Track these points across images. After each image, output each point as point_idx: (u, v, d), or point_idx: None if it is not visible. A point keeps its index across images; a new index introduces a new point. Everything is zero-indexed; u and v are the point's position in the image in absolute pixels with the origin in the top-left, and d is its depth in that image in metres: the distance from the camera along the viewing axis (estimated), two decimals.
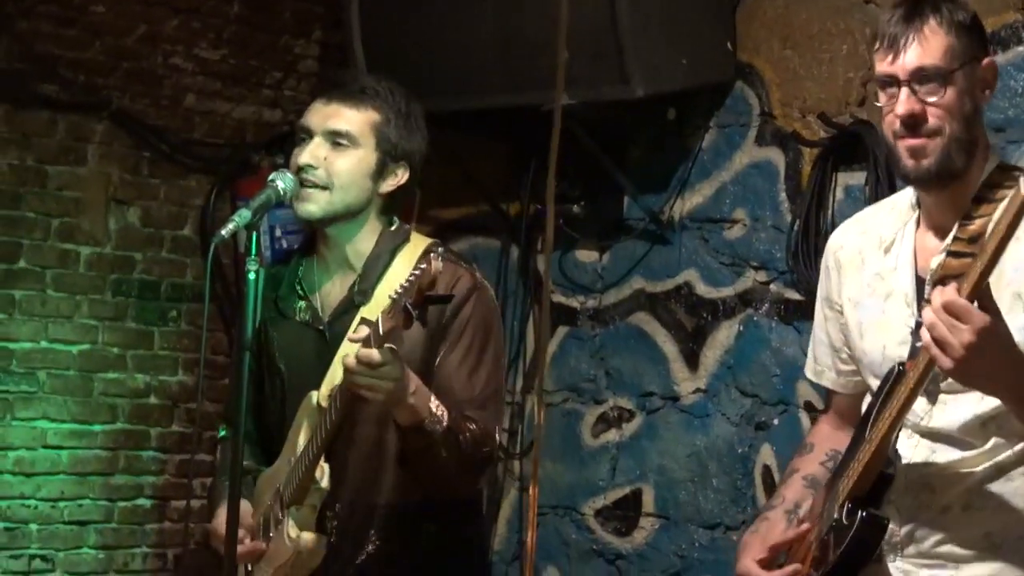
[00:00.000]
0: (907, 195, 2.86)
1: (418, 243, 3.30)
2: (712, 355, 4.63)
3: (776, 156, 4.52)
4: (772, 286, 4.50)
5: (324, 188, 3.20)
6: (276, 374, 3.34)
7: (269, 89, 5.50)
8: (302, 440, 3.22)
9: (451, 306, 3.17)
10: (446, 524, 3.28)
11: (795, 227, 4.38)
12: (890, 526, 2.70)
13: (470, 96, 4.65)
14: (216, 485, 3.42)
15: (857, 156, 4.29)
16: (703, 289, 4.67)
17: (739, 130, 4.61)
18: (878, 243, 2.86)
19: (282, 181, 3.15)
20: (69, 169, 5.15)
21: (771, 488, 4.26)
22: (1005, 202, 2.49)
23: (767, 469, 4.45)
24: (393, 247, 3.27)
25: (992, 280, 2.49)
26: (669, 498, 4.69)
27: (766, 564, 2.83)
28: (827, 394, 3.11)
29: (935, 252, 2.73)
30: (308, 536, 3.17)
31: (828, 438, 3.02)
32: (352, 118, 3.23)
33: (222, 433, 3.48)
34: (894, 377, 2.69)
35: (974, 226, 2.66)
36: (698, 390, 4.65)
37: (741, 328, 4.56)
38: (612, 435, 4.85)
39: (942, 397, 2.71)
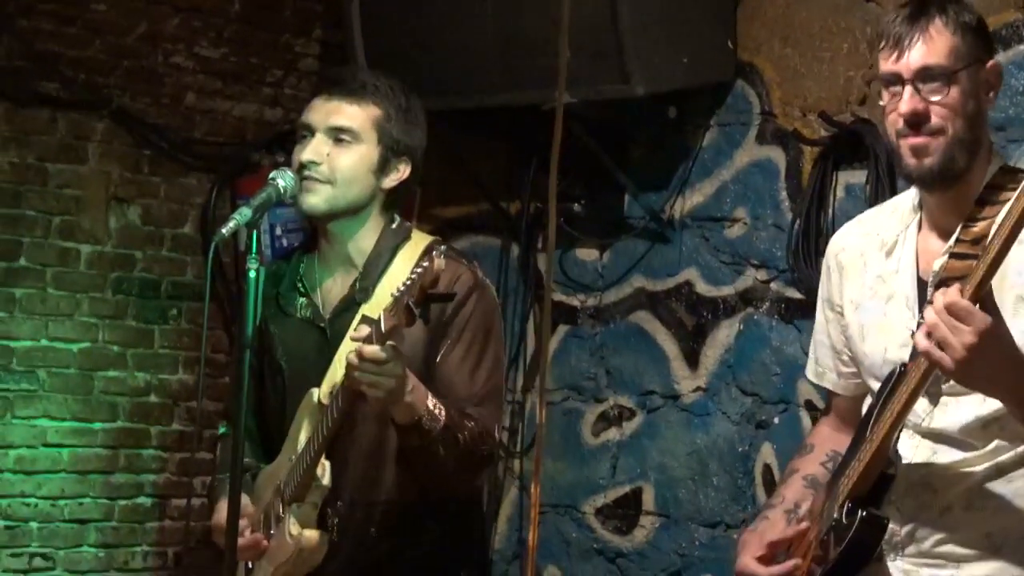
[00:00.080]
0: (909, 197, 2.86)
1: (419, 241, 3.30)
2: (712, 354, 4.63)
3: (777, 155, 4.52)
4: (772, 285, 4.50)
5: (327, 184, 3.21)
6: (277, 371, 3.34)
7: (270, 87, 5.50)
8: (303, 437, 3.22)
9: (452, 304, 3.18)
10: (447, 522, 3.28)
11: (796, 226, 4.38)
12: (891, 526, 2.70)
13: (470, 95, 4.66)
14: (216, 482, 3.43)
15: (858, 155, 4.29)
16: (703, 288, 4.67)
17: (740, 129, 4.61)
18: (879, 245, 2.85)
19: (283, 179, 3.16)
20: (70, 167, 5.14)
21: (771, 487, 4.26)
22: (1009, 204, 2.49)
23: (767, 468, 4.45)
24: (394, 245, 3.28)
25: (995, 283, 2.49)
26: (669, 497, 4.69)
27: (765, 561, 2.83)
28: (828, 395, 3.10)
29: (937, 254, 2.73)
30: (310, 534, 3.18)
31: (828, 439, 3.02)
32: (354, 114, 3.24)
33: (222, 430, 3.49)
34: (895, 378, 2.69)
35: (977, 228, 2.65)
36: (698, 389, 4.65)
37: (741, 327, 4.56)
38: (612, 434, 4.85)
39: (944, 398, 2.71)
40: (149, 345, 5.31)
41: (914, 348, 2.67)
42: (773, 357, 4.48)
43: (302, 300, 3.33)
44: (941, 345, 2.47)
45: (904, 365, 2.69)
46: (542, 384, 4.62)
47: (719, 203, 4.64)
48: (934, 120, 2.67)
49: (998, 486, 2.68)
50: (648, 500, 4.75)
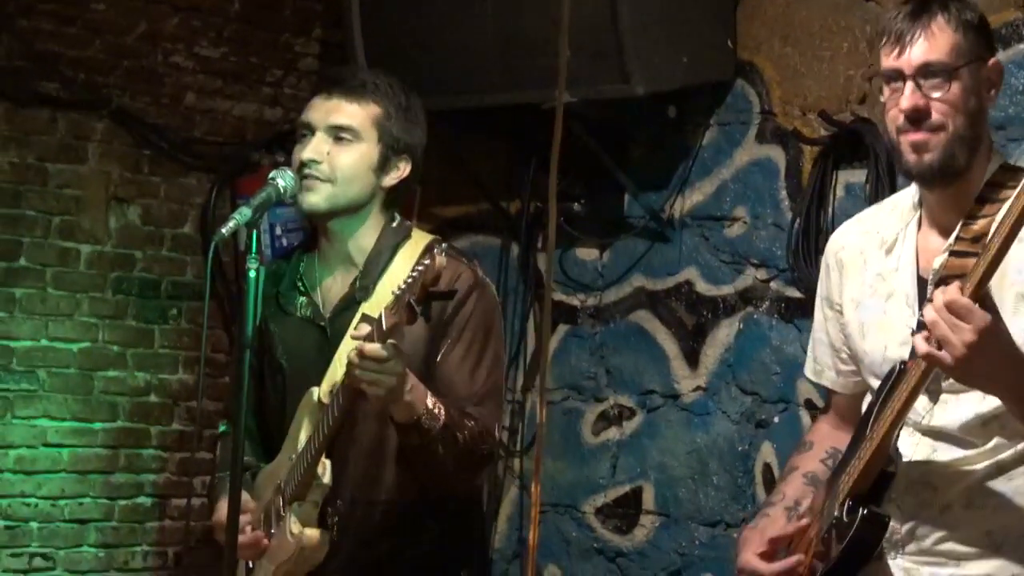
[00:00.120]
0: (909, 195, 2.86)
1: (419, 240, 3.30)
2: (712, 353, 4.63)
3: (777, 154, 4.52)
4: (772, 284, 4.50)
5: (328, 182, 3.21)
6: (277, 370, 3.34)
7: (269, 87, 5.50)
8: (303, 436, 3.22)
9: (453, 303, 3.18)
10: (447, 521, 3.28)
11: (795, 225, 4.38)
12: (891, 524, 2.70)
13: (470, 94, 4.66)
14: (216, 481, 3.43)
15: (858, 154, 4.29)
16: (703, 287, 4.67)
17: (740, 128, 4.61)
18: (879, 243, 2.85)
19: (282, 179, 3.16)
20: (69, 167, 5.14)
21: (771, 486, 4.25)
22: (1009, 202, 2.49)
23: (767, 467, 4.45)
24: (395, 243, 3.28)
25: (995, 281, 2.49)
26: (669, 496, 4.69)
27: (767, 558, 2.82)
28: (827, 394, 3.11)
29: (937, 252, 2.73)
30: (311, 532, 3.18)
31: (827, 436, 3.02)
32: (354, 112, 3.24)
33: (223, 429, 3.49)
34: (895, 375, 2.69)
35: (977, 226, 2.65)
36: (698, 388, 4.66)
37: (741, 326, 4.56)
38: (612, 433, 4.85)
39: (944, 396, 2.71)
40: (149, 345, 5.31)
41: (913, 348, 2.67)
42: (773, 356, 4.48)
43: (302, 299, 3.33)
44: (941, 343, 2.47)
45: (904, 363, 2.69)
46: (542, 383, 4.62)
47: (719, 202, 4.64)
48: (935, 116, 2.67)
49: (998, 484, 2.68)
50: (648, 499, 4.75)
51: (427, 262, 2.87)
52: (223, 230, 2.98)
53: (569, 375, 4.96)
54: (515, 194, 5.10)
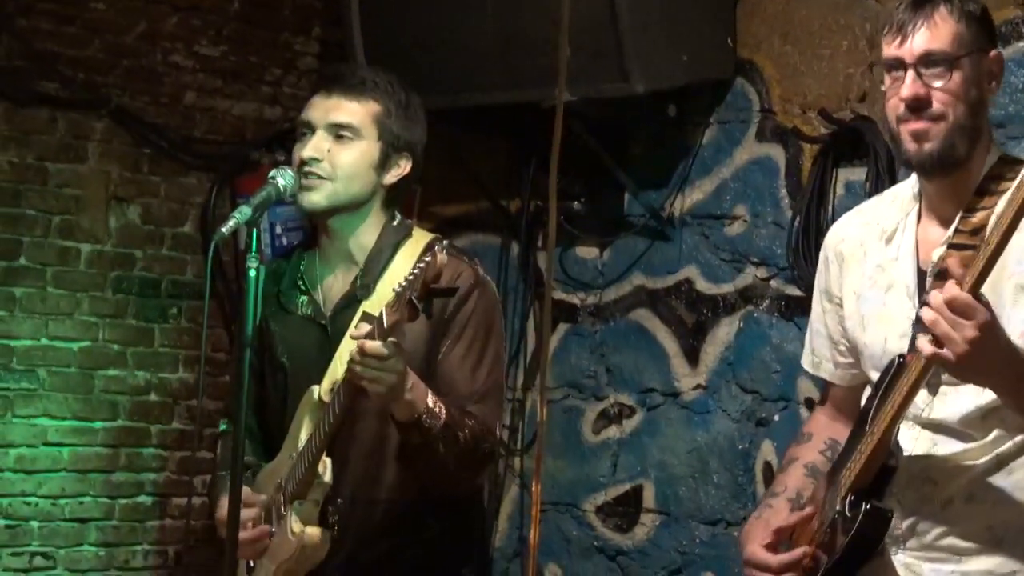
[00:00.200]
0: (908, 185, 2.86)
1: (420, 238, 3.30)
2: (713, 351, 4.63)
3: (776, 152, 4.52)
4: (772, 282, 4.50)
5: (328, 180, 3.21)
6: (278, 369, 3.34)
7: (269, 86, 5.50)
8: (304, 435, 3.22)
9: (453, 301, 3.18)
10: (447, 520, 3.28)
11: (796, 223, 4.38)
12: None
13: (470, 93, 4.66)
14: (216, 479, 3.43)
15: (858, 152, 4.29)
16: (703, 285, 4.67)
17: (739, 126, 4.61)
18: (879, 234, 2.85)
19: (282, 178, 3.16)
20: (69, 167, 5.14)
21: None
22: (1008, 194, 2.49)
23: (768, 465, 4.45)
24: (395, 241, 3.28)
25: (994, 272, 2.49)
26: (670, 494, 4.69)
27: (772, 549, 2.82)
28: (824, 385, 3.10)
29: (937, 244, 2.73)
30: (313, 531, 3.17)
31: (826, 428, 3.01)
32: (354, 110, 3.24)
33: (223, 427, 3.49)
34: (894, 369, 2.70)
35: (976, 218, 2.66)
36: (699, 386, 4.66)
37: (741, 324, 4.56)
38: (613, 431, 4.85)
39: (943, 388, 2.71)
40: (149, 344, 5.31)
41: (913, 339, 2.67)
42: (773, 355, 4.48)
43: (303, 298, 3.33)
44: (942, 341, 2.47)
45: (903, 356, 2.69)
46: (543, 382, 4.63)
47: (719, 201, 4.64)
48: (935, 105, 2.67)
49: (999, 479, 2.68)
50: (648, 498, 4.75)
51: (428, 259, 2.87)
52: (223, 229, 2.98)
53: (569, 373, 4.96)
54: (515, 193, 5.10)
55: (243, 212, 2.99)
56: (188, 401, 5.37)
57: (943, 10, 2.68)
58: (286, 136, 5.05)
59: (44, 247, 5.09)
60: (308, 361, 3.28)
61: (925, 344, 2.50)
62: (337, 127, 3.23)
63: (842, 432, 2.90)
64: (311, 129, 3.24)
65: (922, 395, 2.69)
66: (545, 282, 4.69)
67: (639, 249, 4.81)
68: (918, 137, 2.68)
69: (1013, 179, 2.50)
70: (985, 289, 2.52)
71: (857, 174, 4.29)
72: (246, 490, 3.17)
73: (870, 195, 4.09)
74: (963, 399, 2.69)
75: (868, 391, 2.82)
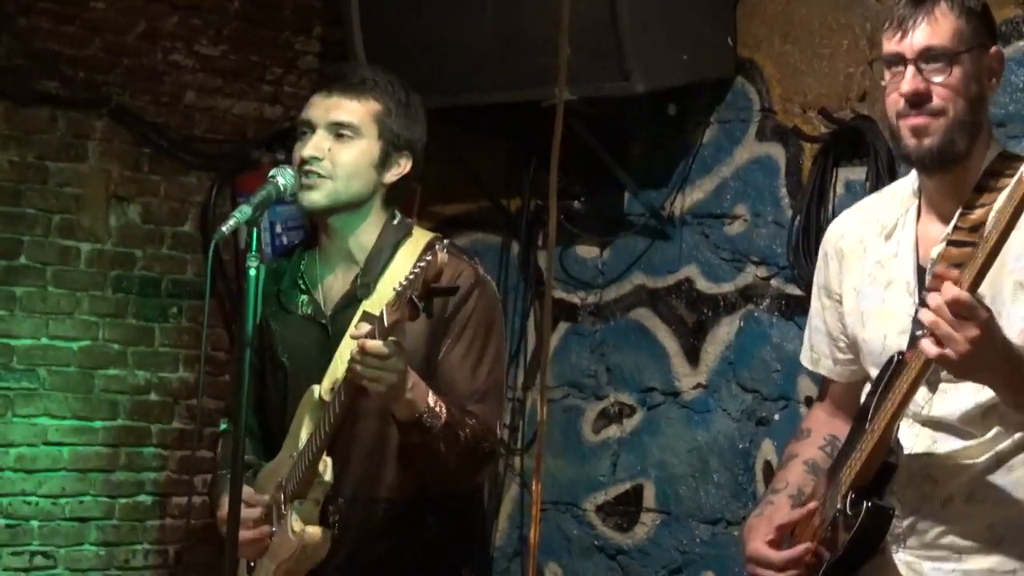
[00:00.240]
0: (908, 182, 2.85)
1: (420, 237, 3.30)
2: (713, 351, 4.63)
3: (777, 151, 4.52)
4: (773, 282, 4.50)
5: (329, 179, 3.21)
6: (278, 368, 3.34)
7: (269, 85, 5.50)
8: (304, 434, 3.22)
9: (454, 301, 3.17)
10: (448, 519, 3.28)
11: (796, 222, 4.38)
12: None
13: (470, 92, 4.66)
14: (217, 479, 3.43)
15: (858, 151, 4.29)
16: (704, 285, 4.67)
17: (740, 126, 4.61)
18: (879, 230, 2.85)
19: (282, 177, 3.15)
20: (70, 166, 5.14)
21: None
22: (1007, 191, 2.49)
23: (768, 464, 4.45)
24: (396, 241, 3.28)
25: (994, 269, 2.50)
26: (670, 493, 4.69)
27: (775, 545, 2.81)
28: (822, 381, 3.09)
29: (937, 240, 2.73)
30: (314, 530, 3.17)
31: (825, 423, 3.01)
32: (354, 109, 3.24)
33: (223, 426, 3.49)
34: (893, 367, 2.70)
35: (975, 215, 2.66)
36: (699, 385, 4.66)
37: (742, 324, 4.57)
38: (613, 431, 4.85)
39: (942, 386, 2.71)
40: (149, 343, 5.31)
41: (912, 335, 2.67)
42: (773, 354, 4.48)
43: (303, 297, 3.33)
44: (944, 341, 2.47)
45: (902, 354, 2.69)
46: (543, 381, 4.62)
47: (719, 200, 4.64)
48: (935, 101, 2.67)
49: (999, 477, 2.68)
50: (649, 497, 4.75)
51: (429, 258, 2.86)
52: (223, 228, 2.98)
53: (569, 373, 4.96)
54: (515, 192, 5.10)
55: (243, 211, 2.99)
56: (188, 400, 5.37)
57: (943, 6, 2.68)
58: (286, 135, 5.05)
59: (44, 246, 5.09)
60: (308, 360, 3.27)
61: (929, 346, 2.49)
62: (337, 126, 3.22)
63: (841, 428, 2.90)
64: (311, 128, 3.24)
65: (922, 392, 2.69)
66: (545, 281, 4.69)
67: (639, 248, 4.81)
68: (918, 132, 2.68)
69: (1012, 175, 2.50)
70: (984, 286, 2.52)
71: (857, 173, 4.29)
72: (249, 490, 3.18)
73: (870, 194, 4.10)
74: (963, 396, 2.69)
75: (867, 388, 2.82)
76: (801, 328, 4.29)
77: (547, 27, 4.28)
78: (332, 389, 3.15)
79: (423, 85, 3.48)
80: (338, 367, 3.16)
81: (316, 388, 3.22)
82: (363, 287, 3.24)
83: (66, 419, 5.12)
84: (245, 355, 2.93)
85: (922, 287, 2.71)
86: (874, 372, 2.80)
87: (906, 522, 2.72)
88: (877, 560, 2.70)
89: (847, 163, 4.33)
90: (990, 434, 2.69)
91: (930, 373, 2.64)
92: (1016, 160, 2.69)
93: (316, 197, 3.21)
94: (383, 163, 3.26)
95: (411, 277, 2.88)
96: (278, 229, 5.23)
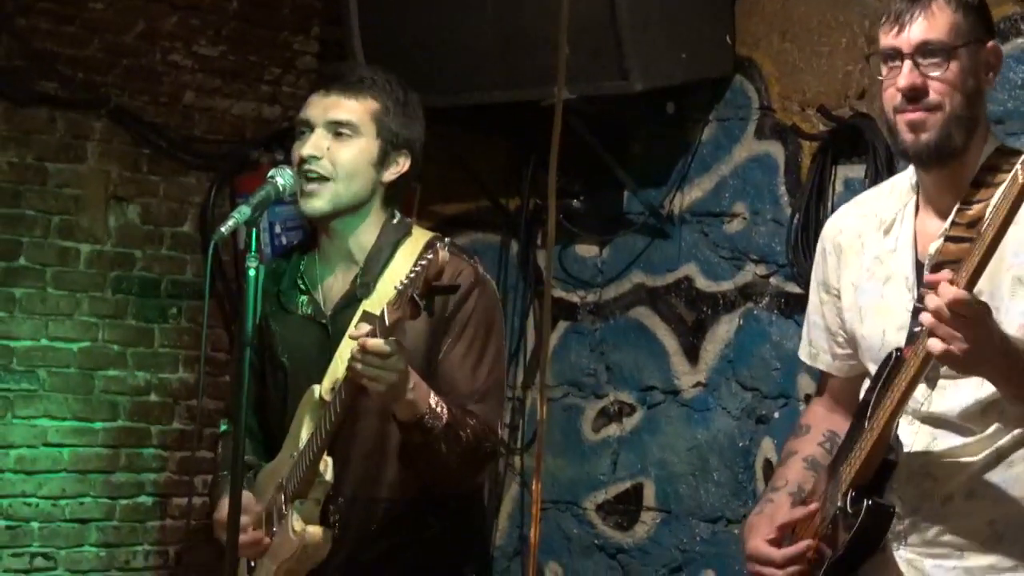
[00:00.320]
0: (907, 176, 2.85)
1: (420, 237, 3.30)
2: (712, 349, 4.63)
3: (776, 150, 4.52)
4: (772, 280, 4.50)
5: (328, 180, 3.21)
6: (279, 368, 3.34)
7: (268, 85, 5.50)
8: (304, 434, 3.22)
9: (454, 300, 3.17)
10: (448, 518, 3.28)
11: (795, 220, 4.38)
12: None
13: (470, 92, 4.66)
14: (217, 479, 3.43)
15: (857, 149, 4.29)
16: (703, 283, 4.67)
17: (738, 124, 4.61)
18: (878, 225, 2.85)
19: (282, 177, 3.15)
20: (69, 166, 5.15)
21: None
22: (1004, 186, 2.49)
23: (768, 463, 4.45)
24: (395, 240, 3.28)
25: (992, 264, 2.50)
26: (670, 492, 4.69)
27: (776, 544, 2.81)
28: (821, 376, 3.09)
29: (935, 235, 2.72)
30: (314, 530, 3.17)
31: (824, 419, 3.00)
32: (352, 108, 3.24)
33: (223, 427, 3.49)
34: (892, 364, 2.69)
35: (973, 211, 2.66)
36: (698, 384, 4.66)
37: (741, 322, 4.57)
38: (613, 429, 4.85)
39: (941, 382, 2.70)
40: (149, 344, 5.31)
41: (910, 332, 2.67)
42: (773, 352, 4.48)
43: (303, 297, 3.33)
44: (946, 339, 2.47)
45: (900, 350, 2.69)
46: (542, 380, 4.62)
47: (718, 198, 4.64)
48: (932, 95, 2.67)
49: (998, 473, 2.68)
50: (649, 496, 4.75)
51: (430, 257, 2.86)
52: (223, 229, 2.98)
53: (569, 372, 4.96)
54: (515, 191, 5.10)
55: (242, 211, 2.99)
56: (188, 401, 5.37)
57: (940, 0, 2.68)
58: (285, 135, 5.05)
59: (44, 247, 5.09)
60: (308, 360, 3.27)
61: (935, 343, 2.49)
62: (336, 124, 3.22)
63: (840, 423, 2.90)
64: (310, 127, 3.24)
65: (921, 389, 2.69)
66: (545, 280, 4.69)
67: (639, 247, 4.82)
68: (915, 127, 2.68)
69: (1010, 170, 2.49)
70: (983, 281, 2.52)
71: (856, 171, 4.30)
72: (248, 495, 3.17)
73: None
74: (962, 392, 2.68)
75: (866, 384, 2.82)
76: (800, 326, 4.31)
77: (547, 27, 4.27)
78: (332, 389, 3.15)
79: (422, 85, 3.48)
80: (338, 367, 3.16)
81: (316, 388, 3.22)
82: (363, 287, 3.24)
83: (66, 420, 5.12)
84: (245, 355, 2.93)
85: (920, 283, 2.71)
86: (872, 368, 2.79)
87: (907, 520, 2.72)
88: (878, 558, 2.70)
89: (846, 161, 4.33)
90: (990, 430, 2.69)
91: (929, 369, 2.64)
92: (1014, 155, 2.68)
93: (319, 204, 3.22)
94: (382, 162, 3.26)
95: (412, 275, 2.88)
96: (277, 229, 5.23)
